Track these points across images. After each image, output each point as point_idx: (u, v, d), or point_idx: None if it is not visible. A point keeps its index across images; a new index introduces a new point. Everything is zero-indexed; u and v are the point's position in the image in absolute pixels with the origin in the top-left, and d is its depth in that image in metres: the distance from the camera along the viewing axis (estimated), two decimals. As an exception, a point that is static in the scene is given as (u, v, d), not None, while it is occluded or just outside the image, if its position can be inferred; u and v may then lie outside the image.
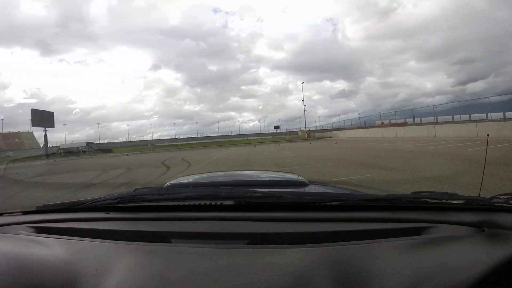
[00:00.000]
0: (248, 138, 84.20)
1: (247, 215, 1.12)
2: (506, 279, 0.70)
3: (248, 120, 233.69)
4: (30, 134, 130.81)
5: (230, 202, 1.19)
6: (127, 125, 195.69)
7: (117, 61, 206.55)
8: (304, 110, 73.35)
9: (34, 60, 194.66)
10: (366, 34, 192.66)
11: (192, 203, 1.23)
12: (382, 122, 50.10)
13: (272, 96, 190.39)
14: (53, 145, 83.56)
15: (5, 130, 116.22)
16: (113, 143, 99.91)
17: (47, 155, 66.07)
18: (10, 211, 1.40)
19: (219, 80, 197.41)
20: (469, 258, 0.78)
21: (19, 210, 1.39)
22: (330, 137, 55.29)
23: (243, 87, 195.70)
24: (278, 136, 78.83)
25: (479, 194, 1.14)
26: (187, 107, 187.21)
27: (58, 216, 1.28)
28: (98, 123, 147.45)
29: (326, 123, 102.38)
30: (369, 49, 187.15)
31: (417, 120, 41.45)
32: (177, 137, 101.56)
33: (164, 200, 1.31)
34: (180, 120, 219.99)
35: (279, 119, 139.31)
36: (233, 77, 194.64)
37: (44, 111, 75.47)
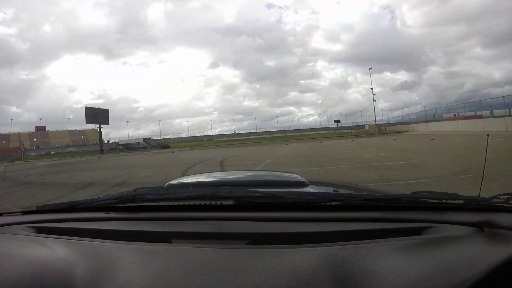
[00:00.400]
0: (309, 133, 79.15)
1: (247, 215, 1.12)
2: (506, 279, 0.70)
3: (307, 115, 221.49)
4: (95, 131, 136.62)
5: (230, 202, 1.19)
6: (187, 121, 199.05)
7: (176, 61, 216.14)
8: (374, 100, 66.44)
9: (99, 64, 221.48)
10: (427, 20, 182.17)
11: (192, 203, 1.23)
12: (455, 115, 46.67)
13: (331, 90, 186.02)
14: (115, 141, 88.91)
15: (72, 128, 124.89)
16: (172, 138, 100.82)
17: (101, 150, 66.72)
18: (10, 211, 1.40)
19: (277, 75, 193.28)
20: (469, 258, 0.77)
21: (19, 210, 1.39)
22: (407, 131, 50.40)
23: (301, 81, 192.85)
24: (341, 131, 72.92)
25: (479, 194, 1.15)
26: (246, 103, 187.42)
27: (58, 216, 1.28)
28: (159, 120, 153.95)
29: (388, 117, 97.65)
30: (430, 37, 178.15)
31: (485, 112, 37.29)
32: (234, 132, 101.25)
33: (164, 200, 1.30)
34: (240, 116, 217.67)
35: (340, 113, 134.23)
36: (291, 72, 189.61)
37: (98, 108, 77.34)
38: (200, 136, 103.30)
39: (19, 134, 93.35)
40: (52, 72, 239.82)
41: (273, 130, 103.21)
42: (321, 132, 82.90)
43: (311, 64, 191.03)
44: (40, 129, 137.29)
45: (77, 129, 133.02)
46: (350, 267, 0.75)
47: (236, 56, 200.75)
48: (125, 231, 1.10)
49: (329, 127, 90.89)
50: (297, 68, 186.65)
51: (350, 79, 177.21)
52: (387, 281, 0.68)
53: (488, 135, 2.06)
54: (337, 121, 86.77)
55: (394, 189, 5.86)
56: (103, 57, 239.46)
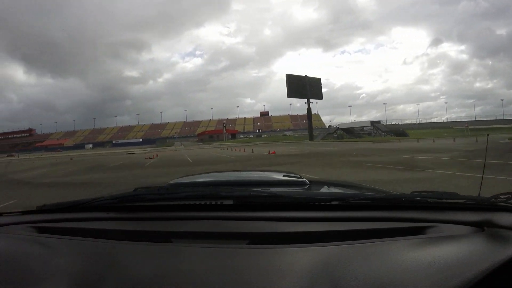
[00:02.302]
0: None
1: (247, 215, 1.12)
2: (506, 279, 0.70)
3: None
4: (317, 116, 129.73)
5: (230, 202, 1.19)
6: (417, 104, 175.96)
7: (395, 43, 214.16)
8: None
9: (319, 56, 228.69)
10: None
11: (192, 202, 1.23)
12: None
13: None
14: (335, 126, 76.70)
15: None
16: (400, 124, 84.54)
17: (311, 136, 49.91)
18: (10, 211, 1.40)
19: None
20: (469, 257, 0.77)
21: (19, 210, 1.39)
22: None
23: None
24: None
25: (479, 194, 1.16)
26: (478, 84, 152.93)
27: (58, 216, 1.28)
28: (385, 103, 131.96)
29: None
30: None
31: None
32: (470, 119, 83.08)
33: (164, 199, 1.31)
34: (469, 101, 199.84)
35: None
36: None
37: (305, 77, 58.69)
38: (435, 122, 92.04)
39: (244, 119, 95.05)
40: (278, 68, 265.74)
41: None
42: None
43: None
44: (264, 114, 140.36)
45: (299, 114, 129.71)
46: (351, 267, 0.75)
47: (459, 27, 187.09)
48: (125, 231, 1.11)
49: None
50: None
51: None
52: (387, 281, 0.69)
53: (488, 134, 2.29)
54: None
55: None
56: (322, 49, 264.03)
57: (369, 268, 0.74)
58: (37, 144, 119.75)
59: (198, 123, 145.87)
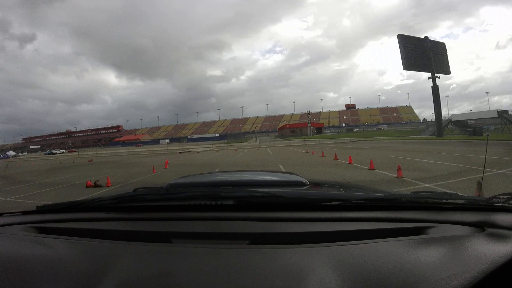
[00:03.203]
0: None
1: (247, 215, 1.12)
2: (506, 279, 0.70)
3: None
4: (409, 108, 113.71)
5: (230, 202, 1.19)
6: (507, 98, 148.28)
7: (484, 24, 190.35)
8: None
9: None
10: None
11: (192, 203, 1.23)
12: None
13: None
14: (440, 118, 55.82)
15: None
16: None
17: (438, 131, 38.16)
18: (10, 211, 1.40)
19: None
20: (469, 258, 0.77)
21: (19, 210, 1.39)
22: None
23: None
24: None
25: (479, 194, 1.18)
26: None
27: (58, 216, 1.28)
28: (487, 92, 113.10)
29: None
30: None
31: None
32: None
33: (164, 200, 1.30)
34: None
35: None
36: None
37: (425, 39, 42.27)
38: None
39: (329, 112, 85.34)
40: (360, 59, 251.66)
41: None
42: None
43: None
44: (350, 107, 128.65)
45: (388, 106, 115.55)
46: (350, 267, 0.75)
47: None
48: (125, 231, 1.10)
49: None
50: None
51: None
52: (387, 281, 0.69)
53: (488, 135, 2.88)
54: None
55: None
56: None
57: (369, 268, 0.74)
58: (116, 139, 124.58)
59: (279, 118, 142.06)
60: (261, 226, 1.04)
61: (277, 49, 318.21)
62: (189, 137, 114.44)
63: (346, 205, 1.13)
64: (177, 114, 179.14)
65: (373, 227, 0.99)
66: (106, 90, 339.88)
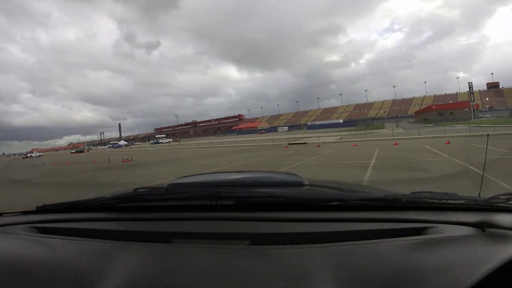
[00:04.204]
0: None
1: (247, 215, 1.13)
2: (506, 279, 0.70)
3: None
4: None
5: (230, 202, 1.19)
6: None
7: None
8: None
9: None
10: None
11: (192, 203, 1.23)
12: None
13: None
14: None
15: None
16: None
17: None
18: (10, 211, 1.41)
19: None
20: (469, 258, 0.77)
21: (19, 210, 1.40)
22: None
23: None
24: None
25: (479, 194, 1.19)
26: None
27: (58, 216, 1.28)
28: None
29: None
30: None
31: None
32: None
33: (164, 200, 1.30)
34: None
35: None
36: None
37: None
38: None
39: (468, 94, 64.03)
40: (490, 30, 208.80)
41: None
42: None
43: None
44: (493, 86, 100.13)
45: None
46: (350, 267, 0.75)
47: None
48: (125, 231, 1.10)
49: None
50: None
51: None
52: (387, 281, 0.69)
53: (488, 135, 2.49)
54: None
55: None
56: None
57: (369, 268, 0.74)
58: (233, 127, 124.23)
59: (409, 101, 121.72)
60: (261, 226, 1.05)
61: (395, 27, 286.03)
62: (309, 123, 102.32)
63: (346, 205, 1.13)
64: (297, 101, 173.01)
65: (373, 227, 0.99)
66: (229, 84, 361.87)
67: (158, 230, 1.08)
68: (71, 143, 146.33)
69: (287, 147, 20.97)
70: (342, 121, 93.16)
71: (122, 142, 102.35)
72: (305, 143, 22.12)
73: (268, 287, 0.70)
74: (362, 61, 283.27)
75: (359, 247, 0.86)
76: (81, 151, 70.81)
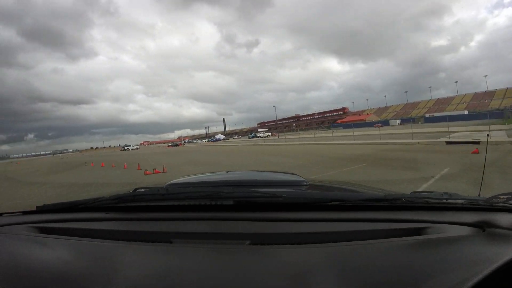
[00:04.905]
0: None
1: (248, 215, 1.13)
2: (506, 279, 0.70)
3: None
4: None
5: (231, 202, 1.19)
6: None
7: None
8: None
9: None
10: None
11: (192, 203, 1.23)
12: None
13: None
14: None
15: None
16: None
17: None
18: (10, 211, 1.40)
19: None
20: (469, 258, 0.77)
21: (19, 210, 1.39)
22: None
23: None
24: None
25: (479, 194, 1.19)
26: None
27: (58, 216, 1.29)
28: None
29: None
30: None
31: None
32: None
33: (164, 200, 1.30)
34: None
35: None
36: None
37: None
38: None
39: None
40: None
41: None
42: None
43: None
44: None
45: None
46: (351, 267, 0.75)
47: None
48: (125, 231, 1.10)
49: None
50: None
51: None
52: (387, 281, 0.69)
53: (488, 135, 2.30)
54: None
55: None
56: None
57: (369, 268, 0.74)
58: (338, 121, 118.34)
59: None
60: (261, 226, 1.05)
61: (505, 1, 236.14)
62: (427, 115, 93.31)
63: (346, 205, 1.13)
64: (406, 92, 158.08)
65: (373, 227, 0.99)
66: (330, 76, 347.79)
67: (159, 230, 1.08)
68: (180, 136, 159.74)
69: (476, 150, 11.11)
70: (467, 112, 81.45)
71: (219, 136, 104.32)
72: (478, 142, 13.81)
73: (268, 287, 0.70)
74: (472, 43, 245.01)
75: (359, 247, 0.86)
76: (176, 145, 75.31)
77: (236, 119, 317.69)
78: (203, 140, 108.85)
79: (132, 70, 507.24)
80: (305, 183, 1.65)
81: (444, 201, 1.10)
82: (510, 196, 1.03)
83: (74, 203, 1.32)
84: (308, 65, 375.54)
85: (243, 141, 59.77)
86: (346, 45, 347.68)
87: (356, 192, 1.58)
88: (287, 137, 46.13)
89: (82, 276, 0.78)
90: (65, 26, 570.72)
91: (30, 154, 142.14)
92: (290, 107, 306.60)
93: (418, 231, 0.95)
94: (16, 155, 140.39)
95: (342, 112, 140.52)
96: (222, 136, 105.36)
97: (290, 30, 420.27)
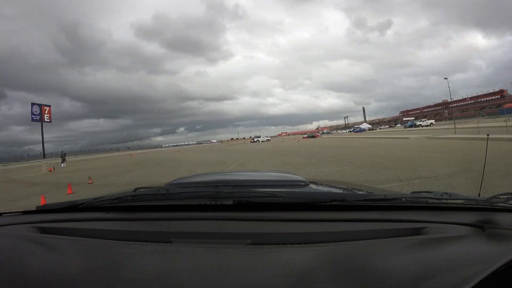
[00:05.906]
0: None
1: (248, 215, 1.13)
2: (506, 279, 0.70)
3: None
4: None
5: (231, 202, 1.19)
6: None
7: None
8: None
9: None
10: None
11: (192, 203, 1.23)
12: None
13: None
14: None
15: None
16: None
17: None
18: (10, 211, 1.41)
19: None
20: (469, 258, 0.77)
21: (19, 210, 1.40)
22: None
23: None
24: None
25: (479, 194, 1.18)
26: None
27: (58, 216, 1.29)
28: None
29: None
30: None
31: None
32: None
33: (164, 200, 1.30)
34: None
35: None
36: None
37: None
38: None
39: None
40: None
41: None
42: None
43: None
44: None
45: None
46: (350, 267, 0.75)
47: None
48: (125, 231, 1.10)
49: None
50: None
51: None
52: (387, 281, 0.69)
53: (488, 135, 2.11)
54: None
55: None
56: None
57: (369, 268, 0.74)
58: (505, 105, 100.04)
59: None
60: (261, 226, 1.05)
61: None
62: None
63: (346, 205, 1.13)
64: None
65: (373, 227, 0.99)
66: (476, 54, 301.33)
67: (159, 230, 1.08)
68: (318, 127, 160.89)
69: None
70: None
71: (365, 126, 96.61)
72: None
73: (268, 286, 0.70)
74: None
75: (359, 247, 0.85)
76: (313, 136, 71.88)
77: (375, 108, 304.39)
78: (344, 131, 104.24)
79: (267, 66, 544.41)
80: (305, 183, 1.65)
81: (444, 201, 1.10)
82: (510, 196, 1.02)
83: (74, 203, 1.32)
84: (449, 43, 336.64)
85: (398, 131, 48.32)
86: (490, 12, 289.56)
87: (356, 192, 1.60)
88: (445, 127, 36.82)
89: (82, 276, 0.78)
90: (200, 34, 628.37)
91: (174, 144, 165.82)
92: (433, 92, 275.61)
93: (418, 231, 0.95)
94: (167, 145, 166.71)
95: (499, 96, 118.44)
96: (368, 126, 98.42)
97: (422, 4, 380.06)
